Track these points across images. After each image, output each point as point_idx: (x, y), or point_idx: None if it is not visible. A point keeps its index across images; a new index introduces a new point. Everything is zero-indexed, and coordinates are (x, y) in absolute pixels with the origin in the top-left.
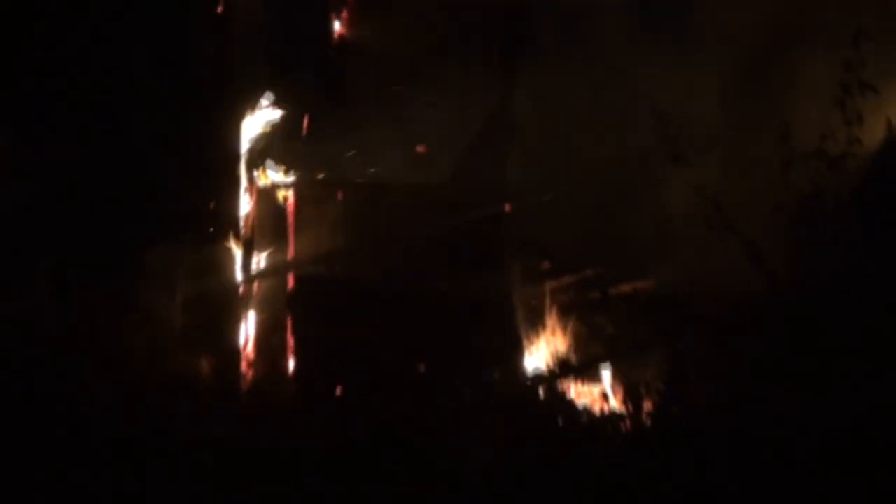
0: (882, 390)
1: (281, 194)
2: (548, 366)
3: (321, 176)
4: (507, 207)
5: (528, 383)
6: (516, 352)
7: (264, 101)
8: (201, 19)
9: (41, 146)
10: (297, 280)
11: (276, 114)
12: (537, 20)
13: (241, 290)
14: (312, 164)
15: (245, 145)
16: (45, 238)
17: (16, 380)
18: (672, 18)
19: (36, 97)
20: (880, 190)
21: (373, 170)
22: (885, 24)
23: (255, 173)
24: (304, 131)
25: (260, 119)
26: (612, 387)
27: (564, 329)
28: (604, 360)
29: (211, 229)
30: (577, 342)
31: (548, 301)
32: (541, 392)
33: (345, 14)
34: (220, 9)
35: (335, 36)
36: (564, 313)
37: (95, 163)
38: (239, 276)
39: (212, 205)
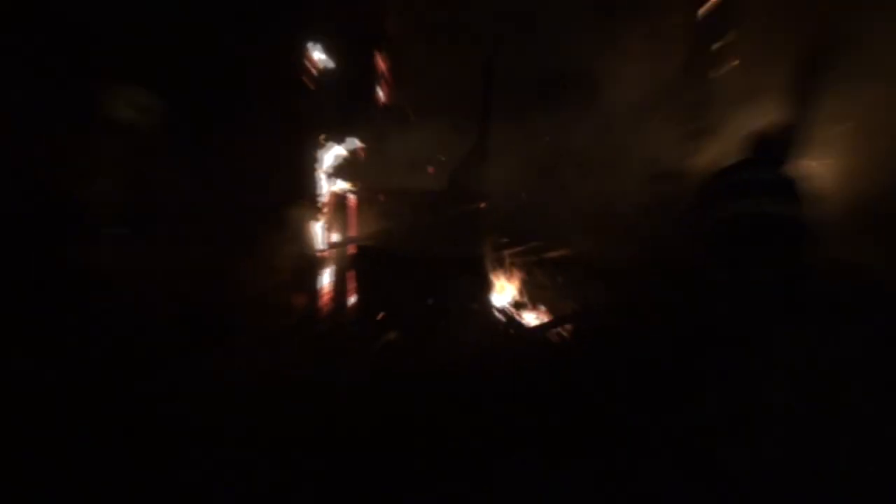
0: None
1: (347, 196)
2: (507, 301)
3: (370, 185)
4: (483, 204)
5: (495, 310)
6: (488, 291)
7: (336, 141)
8: (306, 91)
9: (211, 163)
10: (356, 249)
11: (343, 148)
12: (502, 86)
13: (322, 253)
14: (365, 178)
15: (326, 166)
16: (214, 219)
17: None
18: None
19: (216, 136)
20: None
21: (400, 181)
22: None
23: (332, 183)
24: (361, 158)
25: (334, 150)
26: (545, 313)
27: (516, 278)
28: (540, 298)
29: (305, 216)
30: (524, 286)
31: (507, 261)
32: (501, 317)
33: (384, 89)
34: (314, 86)
35: (379, 101)
36: (516, 269)
37: (244, 172)
38: (321, 245)
39: (306, 202)
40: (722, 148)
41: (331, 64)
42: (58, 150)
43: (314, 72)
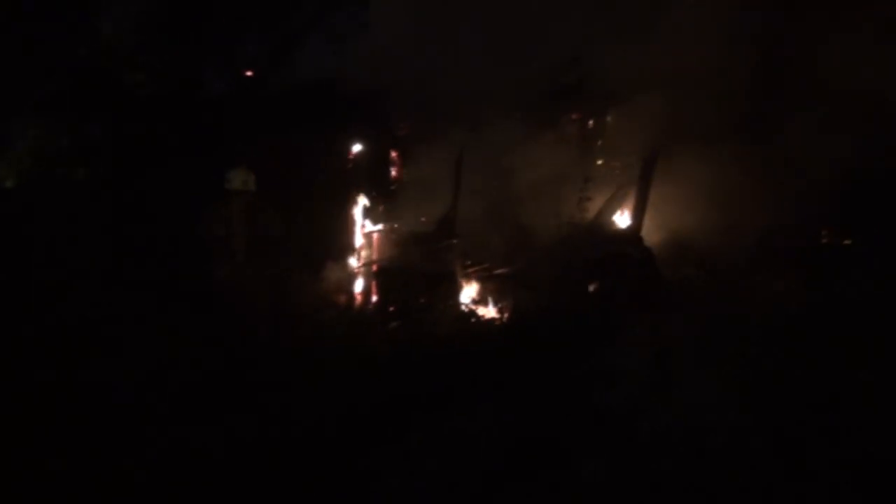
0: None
1: (372, 233)
2: (470, 300)
3: (387, 227)
4: (455, 241)
5: (462, 307)
6: (458, 294)
7: (364, 198)
8: (347, 170)
9: (292, 215)
10: (377, 266)
11: (368, 202)
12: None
13: (357, 269)
14: (384, 221)
15: (360, 213)
16: (293, 250)
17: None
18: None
19: (294, 198)
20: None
21: (405, 225)
22: None
23: (363, 225)
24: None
25: (363, 204)
26: (494, 308)
27: (475, 285)
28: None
29: (345, 247)
30: (481, 291)
31: (469, 275)
32: (465, 309)
33: (395, 165)
34: (351, 166)
35: (391, 172)
36: (475, 280)
37: (311, 220)
38: (355, 264)
39: (345, 238)
40: (596, 206)
41: (363, 153)
42: (206, 208)
43: (351, 157)
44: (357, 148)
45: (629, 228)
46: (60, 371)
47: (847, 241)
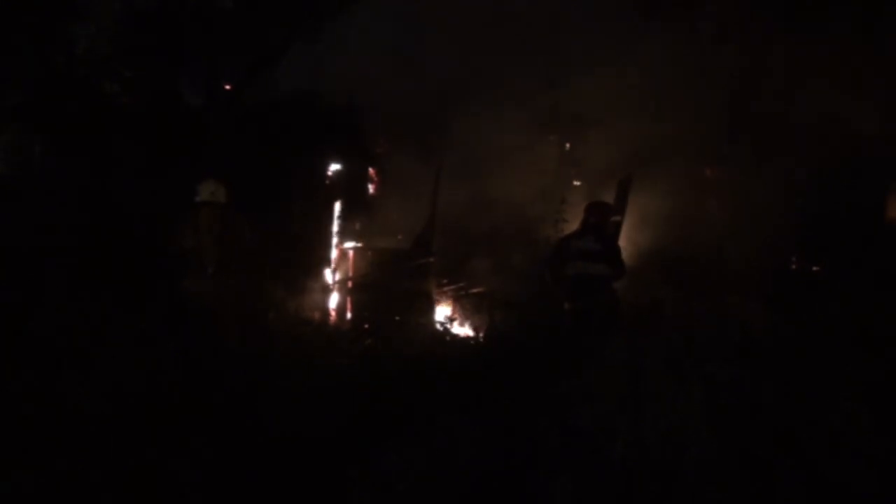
0: None
1: (348, 250)
2: (444, 318)
3: (363, 244)
4: (431, 259)
5: (437, 324)
6: (433, 311)
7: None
8: (320, 178)
9: (266, 227)
10: (354, 283)
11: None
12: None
13: (331, 286)
14: (360, 239)
15: (336, 230)
16: (265, 263)
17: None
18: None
19: (270, 210)
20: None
21: (380, 242)
22: None
23: (339, 241)
24: (357, 227)
25: (339, 220)
26: (468, 326)
27: (450, 304)
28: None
29: (321, 263)
30: (456, 310)
31: (445, 293)
32: (440, 327)
33: (372, 181)
34: (329, 182)
35: (368, 189)
36: (450, 298)
37: (287, 234)
38: (330, 280)
39: (321, 254)
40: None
41: (340, 169)
42: (178, 219)
43: (328, 173)
44: (334, 164)
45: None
46: (29, 381)
47: (815, 267)
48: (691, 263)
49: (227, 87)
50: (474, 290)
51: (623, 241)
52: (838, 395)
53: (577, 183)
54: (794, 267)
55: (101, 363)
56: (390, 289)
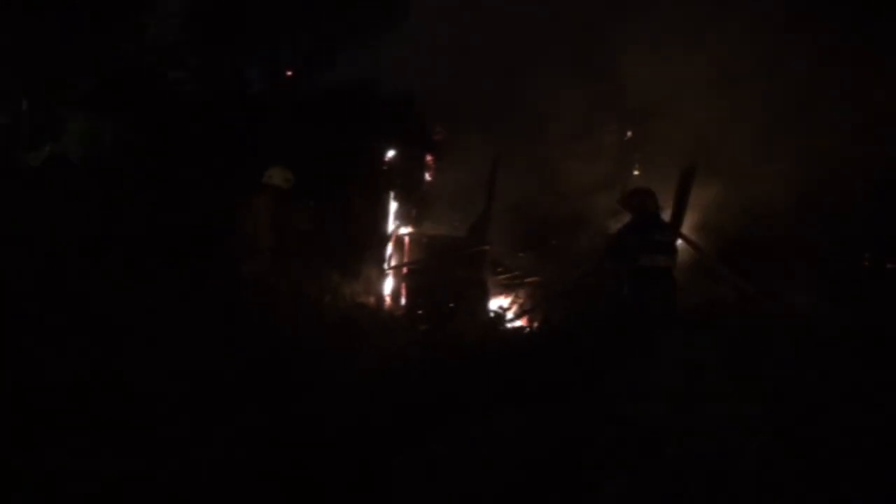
0: None
1: (404, 236)
2: (498, 307)
3: (418, 230)
4: (487, 247)
5: (491, 314)
6: (487, 301)
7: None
8: (378, 165)
9: (327, 214)
10: (407, 270)
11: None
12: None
13: (387, 271)
14: (416, 225)
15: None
16: (326, 248)
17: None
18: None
19: (334, 198)
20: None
21: (437, 229)
22: None
23: (396, 227)
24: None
25: (396, 206)
26: (524, 319)
27: (505, 293)
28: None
29: (377, 248)
30: (511, 298)
31: (500, 283)
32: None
33: (430, 169)
34: (384, 165)
35: (425, 176)
36: (506, 288)
37: (347, 220)
38: (386, 265)
39: (377, 239)
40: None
41: (397, 156)
42: (237, 203)
43: (386, 160)
44: (391, 150)
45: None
46: (90, 361)
47: (890, 265)
48: (757, 257)
49: (289, 73)
50: (530, 280)
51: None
52: None
53: (636, 173)
54: (866, 264)
55: (161, 343)
56: (444, 276)
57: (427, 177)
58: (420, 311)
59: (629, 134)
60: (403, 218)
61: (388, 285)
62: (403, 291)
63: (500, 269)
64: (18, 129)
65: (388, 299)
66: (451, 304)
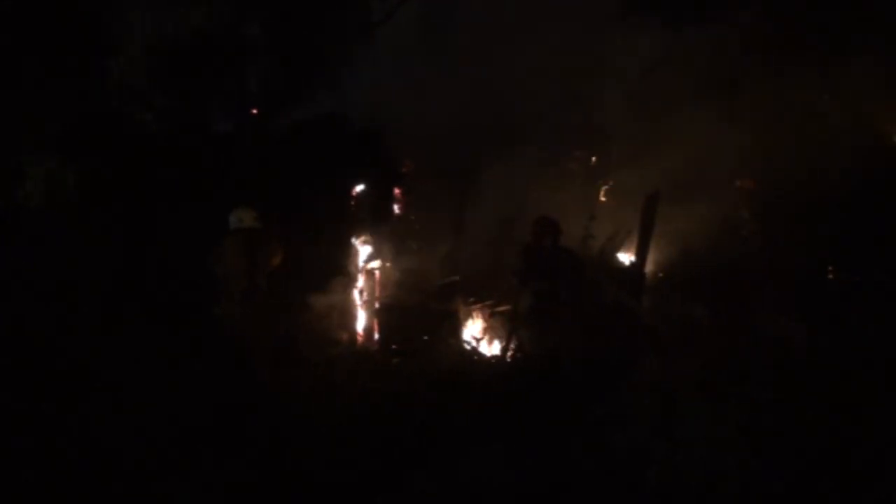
0: None
1: (374, 271)
2: (471, 337)
3: (388, 263)
4: (457, 279)
5: (465, 343)
6: (460, 331)
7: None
8: (346, 200)
9: (297, 251)
10: (381, 304)
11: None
12: None
13: (359, 306)
14: (386, 258)
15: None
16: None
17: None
18: None
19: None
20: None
21: (407, 261)
22: None
23: (366, 262)
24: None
25: (366, 240)
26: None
27: (478, 323)
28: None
29: (348, 284)
30: (484, 329)
31: (472, 312)
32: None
33: (398, 201)
34: (353, 200)
35: (394, 209)
36: (478, 317)
37: (317, 256)
38: (358, 301)
39: (348, 275)
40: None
41: (365, 190)
42: (207, 246)
43: (354, 194)
44: (360, 185)
45: (633, 266)
46: (58, 405)
47: (854, 279)
48: (723, 278)
49: (254, 111)
50: (500, 309)
51: (652, 256)
52: (881, 415)
53: (603, 199)
54: (830, 277)
55: (131, 389)
56: (417, 308)
57: (396, 209)
58: (394, 346)
59: (594, 160)
60: (374, 252)
61: (361, 321)
62: (376, 326)
63: (472, 300)
64: None
65: (360, 335)
66: (425, 337)
